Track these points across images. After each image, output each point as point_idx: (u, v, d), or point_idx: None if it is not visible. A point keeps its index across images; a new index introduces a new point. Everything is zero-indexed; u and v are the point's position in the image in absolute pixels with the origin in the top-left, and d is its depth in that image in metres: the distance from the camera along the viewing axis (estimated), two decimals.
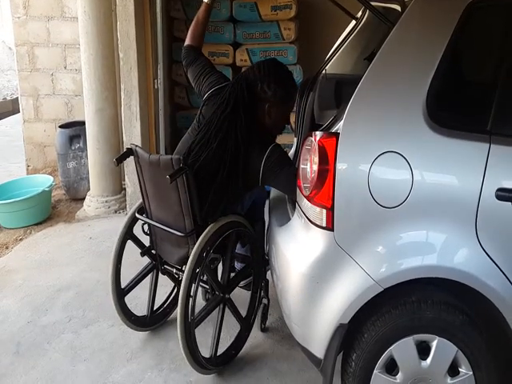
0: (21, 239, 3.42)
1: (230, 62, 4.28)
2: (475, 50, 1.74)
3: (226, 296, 2.12)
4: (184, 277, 1.94)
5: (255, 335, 2.31)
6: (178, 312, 1.92)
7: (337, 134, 1.59)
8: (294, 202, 1.91)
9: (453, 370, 1.61)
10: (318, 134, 1.63)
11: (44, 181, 3.81)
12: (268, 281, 2.31)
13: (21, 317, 2.49)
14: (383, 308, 1.61)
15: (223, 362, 2.14)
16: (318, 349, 1.65)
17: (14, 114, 6.87)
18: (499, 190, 1.51)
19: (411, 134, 1.58)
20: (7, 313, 2.54)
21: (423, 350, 1.60)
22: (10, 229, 3.54)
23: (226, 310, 2.13)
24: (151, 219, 2.16)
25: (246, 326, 2.24)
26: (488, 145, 1.53)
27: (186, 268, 1.95)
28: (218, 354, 2.12)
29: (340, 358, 1.70)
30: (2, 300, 2.65)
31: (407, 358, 1.61)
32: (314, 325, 1.66)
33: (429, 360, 1.59)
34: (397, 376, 1.62)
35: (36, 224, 3.59)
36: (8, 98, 7.75)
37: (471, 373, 1.59)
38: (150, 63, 3.84)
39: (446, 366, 1.59)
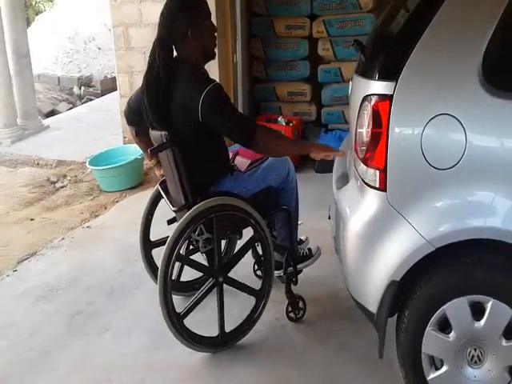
0: (117, 201, 3.78)
1: (306, 34, 4.28)
2: None
3: (220, 279, 2.07)
4: (164, 250, 1.96)
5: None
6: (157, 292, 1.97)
7: (390, 97, 1.59)
8: (354, 167, 1.94)
9: (509, 333, 1.57)
10: (373, 97, 1.65)
11: (137, 150, 4.11)
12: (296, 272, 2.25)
13: (114, 265, 2.80)
14: (436, 267, 1.61)
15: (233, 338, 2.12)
16: (372, 303, 1.69)
17: (114, 91, 7.40)
18: None
19: (466, 96, 1.54)
20: (104, 262, 2.87)
21: (477, 311, 1.58)
22: (109, 192, 3.92)
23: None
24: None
25: (258, 296, 2.17)
26: None
27: (167, 243, 1.96)
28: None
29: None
30: (100, 251, 3.00)
31: (460, 317, 1.59)
32: (367, 280, 1.70)
33: (483, 321, 1.56)
34: (450, 335, 1.61)
35: (130, 188, 3.93)
36: (108, 76, 8.34)
37: None
38: (229, 38, 3.97)
39: (500, 328, 1.55)
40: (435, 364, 1.65)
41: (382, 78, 1.66)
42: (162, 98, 1.97)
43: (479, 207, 1.55)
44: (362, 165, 1.70)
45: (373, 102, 1.64)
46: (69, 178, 4.37)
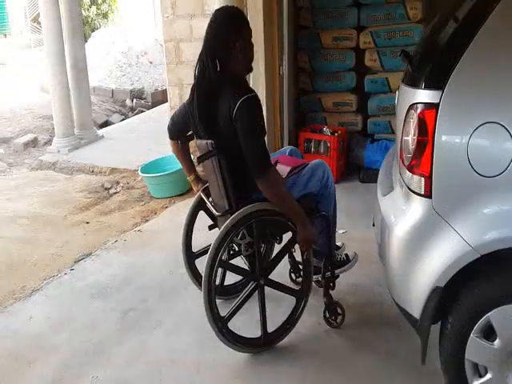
0: (166, 207, 3.95)
1: (353, 45, 4.34)
2: None
3: (261, 282, 2.15)
4: (207, 256, 2.05)
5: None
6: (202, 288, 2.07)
7: (437, 106, 1.63)
8: (399, 174, 1.98)
9: None
10: (419, 106, 1.69)
11: None
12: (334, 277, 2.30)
13: (164, 267, 2.94)
14: (481, 274, 1.63)
15: (277, 337, 2.22)
16: (415, 309, 1.72)
17: (163, 103, 7.70)
18: None
19: None
20: (154, 264, 3.01)
21: None
22: (158, 198, 4.11)
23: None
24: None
25: (298, 296, 2.25)
26: None
27: (210, 250, 2.05)
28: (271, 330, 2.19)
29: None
30: (151, 253, 3.15)
31: (506, 325, 1.59)
32: (411, 286, 1.73)
33: None
34: (494, 342, 1.61)
35: (178, 195, 4.10)
36: (159, 89, 8.69)
37: None
38: (276, 52, 4.08)
39: None
40: (479, 371, 1.66)
41: (428, 86, 1.70)
42: (210, 108, 2.07)
43: None
44: (408, 172, 1.74)
45: (419, 111, 1.68)
46: (121, 184, 4.61)
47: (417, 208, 1.71)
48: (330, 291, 2.35)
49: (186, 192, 4.12)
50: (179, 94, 5.20)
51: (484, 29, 1.60)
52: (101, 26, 12.37)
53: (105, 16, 12.91)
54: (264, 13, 3.86)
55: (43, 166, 5.41)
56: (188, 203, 4.00)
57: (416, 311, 1.71)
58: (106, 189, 4.56)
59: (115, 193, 4.45)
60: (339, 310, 2.33)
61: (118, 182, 4.67)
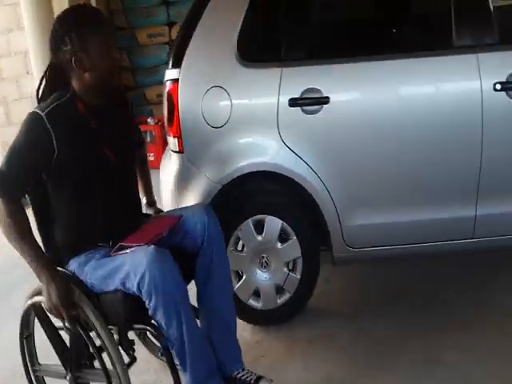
0: None
1: (166, 40, 4.92)
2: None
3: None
4: None
5: None
6: None
7: (177, 80, 2.21)
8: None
9: (281, 238, 2.24)
10: (168, 82, 2.25)
11: None
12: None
13: None
14: (229, 201, 2.23)
15: None
16: None
17: None
18: (290, 99, 2.11)
19: (228, 70, 2.19)
20: None
21: (260, 228, 2.23)
22: None
23: None
24: None
25: None
26: (281, 69, 2.14)
27: None
28: None
29: None
30: None
31: (248, 236, 2.24)
32: None
33: (263, 234, 2.23)
34: (244, 251, 2.26)
35: None
36: None
37: (295, 238, 2.23)
38: None
39: (275, 236, 2.23)
40: (239, 276, 2.29)
41: (172, 67, 2.29)
42: None
43: (247, 150, 2.19)
44: (168, 136, 2.31)
45: (168, 86, 2.25)
46: None
47: (176, 163, 2.28)
48: None
49: None
50: (5, 112, 5.31)
51: (199, 25, 2.22)
52: None
53: None
54: None
55: None
56: None
57: None
58: None
59: None
60: None
61: None
